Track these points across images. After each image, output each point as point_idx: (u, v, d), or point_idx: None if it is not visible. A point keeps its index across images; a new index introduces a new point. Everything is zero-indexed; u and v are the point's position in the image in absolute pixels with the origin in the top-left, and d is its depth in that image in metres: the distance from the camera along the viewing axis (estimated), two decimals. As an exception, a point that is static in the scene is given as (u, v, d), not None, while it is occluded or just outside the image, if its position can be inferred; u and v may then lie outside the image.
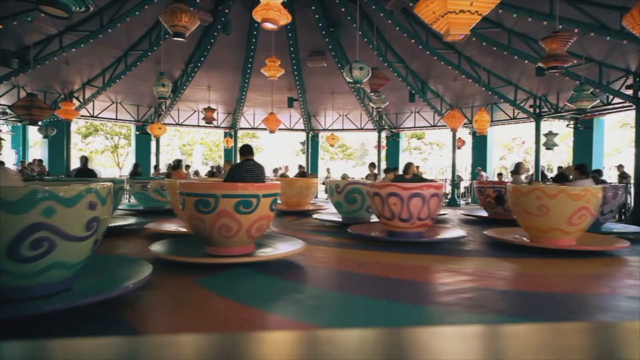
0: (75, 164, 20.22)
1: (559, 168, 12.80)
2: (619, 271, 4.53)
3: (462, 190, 17.01)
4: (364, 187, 7.99)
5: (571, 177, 7.54)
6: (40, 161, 15.71)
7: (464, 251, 5.68)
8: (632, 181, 11.53)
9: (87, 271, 3.32)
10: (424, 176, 14.96)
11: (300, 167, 14.89)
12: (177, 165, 10.20)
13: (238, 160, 5.29)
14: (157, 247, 4.51)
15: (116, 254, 4.91)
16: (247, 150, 5.10)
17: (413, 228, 6.09)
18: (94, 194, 2.92)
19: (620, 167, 12.28)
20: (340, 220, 8.33)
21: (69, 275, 3.02)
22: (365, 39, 13.37)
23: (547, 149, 14.12)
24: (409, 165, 7.51)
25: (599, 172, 9.59)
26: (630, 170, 12.90)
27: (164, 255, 4.26)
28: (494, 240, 6.13)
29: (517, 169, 8.44)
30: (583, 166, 6.96)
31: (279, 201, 4.72)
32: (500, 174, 15.51)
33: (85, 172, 8.45)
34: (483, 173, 16.29)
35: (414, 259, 4.99)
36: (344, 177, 13.41)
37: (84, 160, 8.84)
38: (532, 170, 14.97)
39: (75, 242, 2.85)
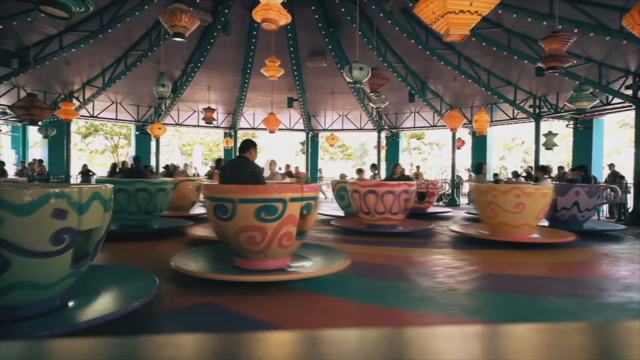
0: (75, 164, 20.21)
1: (560, 168, 12.81)
2: (571, 259, 5.22)
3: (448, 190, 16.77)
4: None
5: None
6: (41, 161, 15.71)
7: (437, 242, 6.30)
8: (627, 181, 11.54)
9: (93, 285, 2.98)
10: (425, 176, 15.22)
11: (288, 166, 14.61)
12: (218, 165, 10.00)
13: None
14: (178, 260, 3.84)
15: (133, 265, 4.27)
16: (241, 146, 4.48)
17: (375, 220, 6.87)
18: (62, 199, 2.36)
19: (611, 166, 12.28)
20: (343, 214, 9.10)
21: (48, 296, 2.55)
22: (365, 39, 13.36)
23: (547, 149, 14.10)
24: (395, 166, 8.65)
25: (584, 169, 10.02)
26: (629, 170, 12.92)
27: (182, 269, 3.59)
28: (458, 235, 6.65)
29: (480, 168, 8.68)
30: (545, 167, 8.11)
31: (282, 211, 3.53)
32: (496, 174, 15.50)
33: (135, 173, 7.52)
34: (472, 174, 16.33)
35: (385, 249, 5.64)
36: (342, 177, 13.48)
37: (137, 160, 8.22)
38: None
39: (38, 259, 2.34)
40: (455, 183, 15.92)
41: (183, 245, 5.52)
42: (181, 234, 6.47)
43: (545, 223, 7.65)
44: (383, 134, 18.94)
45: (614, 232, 7.56)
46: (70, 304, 2.74)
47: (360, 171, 10.47)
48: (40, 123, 12.88)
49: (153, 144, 17.93)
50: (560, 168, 12.74)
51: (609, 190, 8.63)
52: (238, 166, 4.29)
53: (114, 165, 11.21)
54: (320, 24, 14.05)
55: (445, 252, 5.44)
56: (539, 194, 5.94)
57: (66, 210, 2.39)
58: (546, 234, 6.47)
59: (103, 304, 2.68)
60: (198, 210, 9.19)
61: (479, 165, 8.83)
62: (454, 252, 5.52)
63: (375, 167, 12.29)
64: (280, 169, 16.49)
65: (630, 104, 10.89)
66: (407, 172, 14.64)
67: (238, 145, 17.99)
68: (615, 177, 11.90)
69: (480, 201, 6.22)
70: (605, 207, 11.76)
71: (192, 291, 3.41)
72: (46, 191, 2.33)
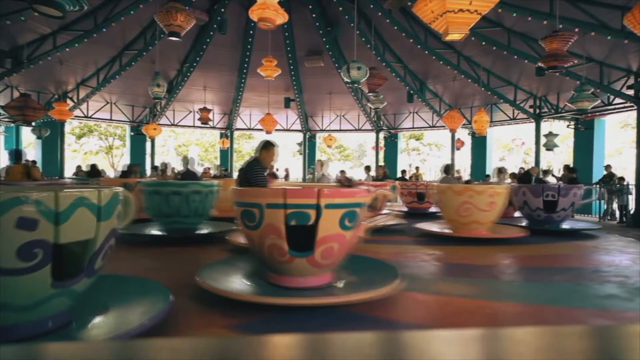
0: (69, 165, 20.03)
1: (567, 167, 12.78)
2: (570, 252, 5.62)
3: None
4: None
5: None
6: (34, 162, 15.48)
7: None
8: (629, 182, 11.41)
9: (103, 303, 2.66)
10: (424, 177, 15.44)
11: (271, 167, 14.27)
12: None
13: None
14: (205, 274, 3.30)
15: (165, 275, 3.86)
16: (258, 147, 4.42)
17: None
18: (28, 206, 2.01)
19: (608, 167, 12.15)
20: None
21: (33, 318, 2.25)
22: (363, 39, 13.24)
23: (547, 149, 14.01)
24: (378, 168, 9.75)
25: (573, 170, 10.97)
26: (630, 172, 12.79)
27: (207, 285, 3.04)
28: (423, 232, 6.75)
29: (447, 170, 8.83)
30: (501, 169, 9.23)
31: (260, 218, 3.06)
32: (488, 176, 15.38)
33: (189, 175, 7.15)
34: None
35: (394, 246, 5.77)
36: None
37: (188, 161, 7.82)
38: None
39: (4, 277, 2.02)
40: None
41: (224, 252, 5.13)
42: (224, 239, 6.12)
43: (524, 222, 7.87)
44: (381, 135, 18.81)
45: (590, 230, 7.70)
46: (67, 325, 2.41)
47: (342, 172, 11.30)
48: (33, 123, 12.78)
49: (148, 144, 17.78)
50: (567, 167, 12.77)
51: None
52: (242, 167, 4.33)
53: (94, 167, 11.11)
54: (317, 23, 13.91)
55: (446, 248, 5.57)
56: (506, 193, 6.41)
57: (36, 219, 2.01)
58: (501, 230, 6.72)
59: (103, 329, 2.40)
60: None
61: (446, 167, 8.88)
62: (455, 248, 5.65)
63: (368, 169, 12.31)
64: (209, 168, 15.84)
65: (632, 104, 10.82)
66: (407, 174, 14.68)
67: (235, 146, 17.83)
68: (610, 178, 11.76)
69: (454, 201, 6.33)
70: (602, 209, 11.73)
71: (220, 311, 2.89)
72: (4, 196, 1.95)
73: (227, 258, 4.27)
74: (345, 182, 7.14)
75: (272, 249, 3.07)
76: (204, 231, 6.24)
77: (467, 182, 9.08)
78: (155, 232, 6.09)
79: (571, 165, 12.90)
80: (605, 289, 3.64)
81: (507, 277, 4.23)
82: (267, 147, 4.28)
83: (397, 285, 3.03)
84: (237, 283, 3.27)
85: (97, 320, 2.50)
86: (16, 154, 7.01)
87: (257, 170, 4.21)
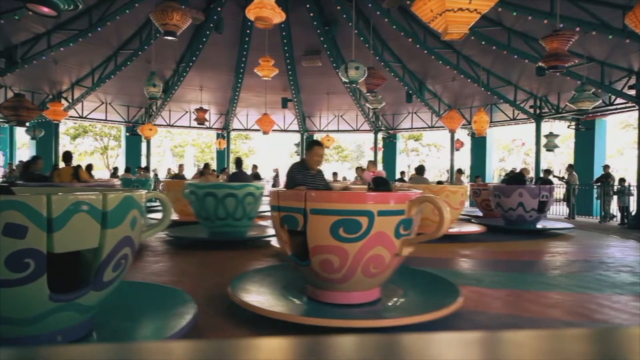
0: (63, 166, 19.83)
1: (570, 166, 12.76)
2: (522, 249, 6.06)
3: None
4: None
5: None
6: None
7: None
8: (630, 183, 11.30)
9: (124, 315, 2.53)
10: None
11: (255, 167, 14.06)
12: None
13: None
14: (238, 285, 3.07)
15: (199, 283, 3.80)
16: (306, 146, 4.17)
17: None
18: (14, 211, 1.84)
19: (606, 167, 12.05)
20: None
21: (36, 332, 2.08)
22: (362, 38, 13.12)
23: (548, 150, 13.92)
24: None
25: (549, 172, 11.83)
26: (632, 172, 12.68)
27: (237, 299, 2.81)
28: None
29: (420, 171, 8.85)
30: (460, 170, 10.44)
31: (273, 219, 3.09)
32: (478, 176, 15.28)
33: (239, 176, 6.85)
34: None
35: None
36: (343, 179, 13.42)
37: (239, 162, 7.53)
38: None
39: None
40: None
41: (267, 258, 4.97)
42: (266, 244, 5.85)
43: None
44: (380, 135, 18.70)
45: (562, 229, 8.03)
46: (80, 341, 2.25)
47: (335, 174, 12.28)
48: (27, 124, 12.61)
49: (144, 145, 17.65)
50: (571, 166, 12.70)
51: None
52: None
53: (78, 167, 11.01)
54: (315, 23, 13.78)
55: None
56: (466, 192, 7.45)
57: (24, 225, 1.83)
58: (461, 226, 7.31)
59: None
60: None
61: (419, 168, 8.87)
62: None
63: (362, 170, 12.34)
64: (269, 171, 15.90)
65: (634, 104, 10.73)
66: (407, 175, 14.62)
67: (231, 147, 17.75)
68: (607, 178, 11.65)
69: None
70: (598, 210, 11.66)
71: (247, 327, 2.68)
72: None
73: (266, 267, 4.05)
74: (373, 183, 5.78)
75: (282, 253, 3.08)
76: (251, 234, 6.18)
77: (438, 182, 9.49)
78: (201, 235, 6.01)
79: (572, 165, 12.88)
80: (624, 277, 3.94)
81: (525, 270, 4.58)
82: (310, 146, 4.06)
83: (454, 306, 2.62)
84: (270, 296, 2.99)
85: (114, 336, 2.34)
86: (66, 156, 6.89)
87: (293, 171, 4.03)
